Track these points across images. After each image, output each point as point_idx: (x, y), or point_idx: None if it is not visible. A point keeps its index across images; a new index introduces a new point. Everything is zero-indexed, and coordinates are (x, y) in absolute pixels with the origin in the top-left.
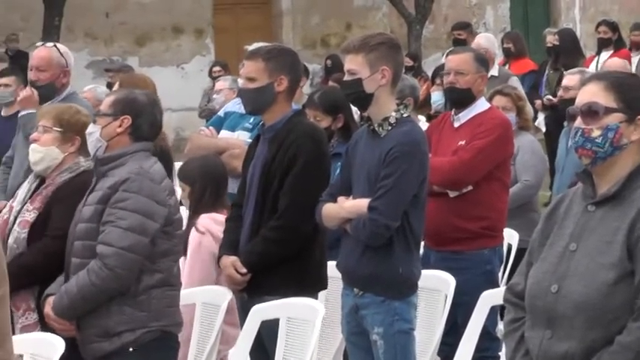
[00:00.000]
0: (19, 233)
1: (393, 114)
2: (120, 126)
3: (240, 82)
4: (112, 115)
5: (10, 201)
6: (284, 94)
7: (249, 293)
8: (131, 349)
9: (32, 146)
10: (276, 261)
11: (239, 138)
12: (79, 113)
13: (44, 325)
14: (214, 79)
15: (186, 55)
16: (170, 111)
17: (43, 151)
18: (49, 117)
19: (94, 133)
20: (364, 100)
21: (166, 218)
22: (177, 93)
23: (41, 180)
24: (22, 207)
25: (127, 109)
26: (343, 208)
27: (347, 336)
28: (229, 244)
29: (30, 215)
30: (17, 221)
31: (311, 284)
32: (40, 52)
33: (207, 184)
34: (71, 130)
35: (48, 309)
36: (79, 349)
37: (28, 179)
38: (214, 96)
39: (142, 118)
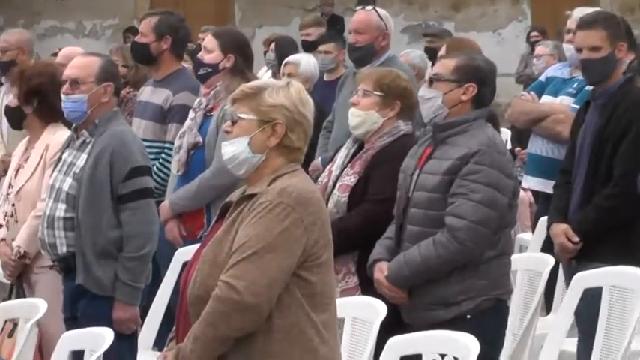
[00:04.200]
0: (339, 197)
1: None
2: (464, 93)
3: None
4: (455, 82)
5: (329, 165)
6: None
7: (577, 260)
8: (468, 317)
9: (352, 110)
10: (607, 229)
11: (562, 103)
12: (399, 77)
13: (364, 289)
14: (532, 44)
15: (502, 21)
16: None
17: (362, 115)
18: (369, 81)
19: (433, 98)
20: None
21: (513, 191)
22: (493, 58)
23: (360, 144)
24: (342, 171)
25: (472, 77)
26: None
27: None
28: (559, 211)
29: (350, 179)
30: (337, 185)
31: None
32: (360, 16)
33: None
34: (391, 95)
35: (380, 275)
36: (403, 314)
37: (346, 144)
38: (534, 61)
39: (486, 86)
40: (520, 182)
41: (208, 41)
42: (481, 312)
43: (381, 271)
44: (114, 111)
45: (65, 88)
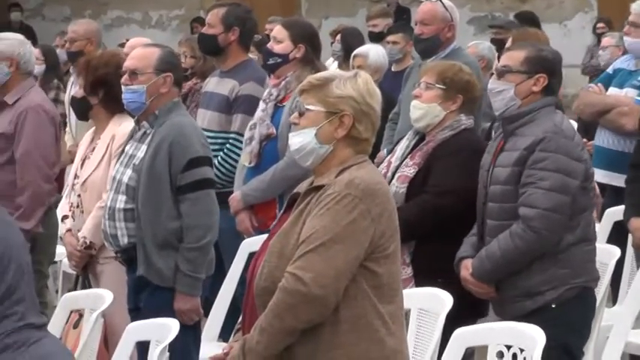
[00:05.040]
0: (397, 188)
1: None
2: (535, 85)
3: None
4: (526, 73)
5: (389, 156)
6: None
7: None
8: (553, 306)
9: (414, 103)
10: None
11: (627, 95)
12: (462, 71)
13: (418, 280)
14: (598, 35)
15: (568, 12)
16: None
17: (424, 108)
18: (431, 74)
19: (505, 90)
20: None
21: (584, 174)
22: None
23: (421, 136)
24: (401, 162)
25: (541, 67)
26: None
27: None
28: (636, 206)
29: (409, 171)
30: (396, 176)
31: None
32: (426, 7)
33: None
34: (454, 88)
35: (465, 273)
36: (494, 308)
37: (407, 135)
38: (599, 53)
39: (555, 76)
40: None
41: (278, 31)
42: (565, 301)
43: (466, 269)
44: (174, 102)
45: (124, 78)
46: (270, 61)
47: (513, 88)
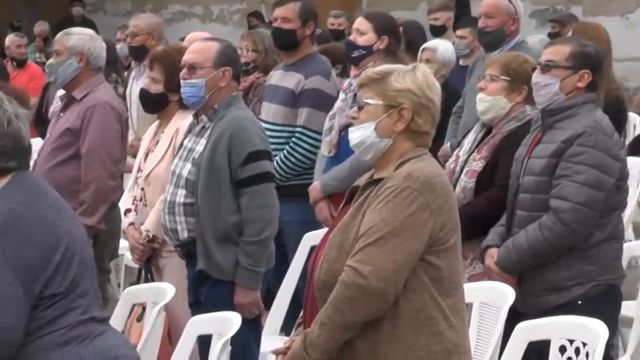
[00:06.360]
0: (466, 182)
1: None
2: (579, 80)
3: None
4: (571, 69)
5: (456, 150)
6: None
7: None
8: (579, 302)
9: (479, 95)
10: None
11: None
12: (526, 62)
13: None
14: None
15: (631, 5)
16: (615, 61)
17: (490, 100)
18: (496, 66)
19: (550, 84)
20: None
21: (619, 173)
22: (621, 43)
23: (487, 129)
24: (469, 156)
25: (586, 63)
26: None
27: None
28: None
29: (477, 164)
30: (464, 170)
31: None
32: (489, 0)
33: None
34: (518, 80)
35: (490, 262)
36: (517, 302)
37: (474, 129)
38: None
39: (599, 72)
40: None
41: (361, 23)
42: (592, 298)
43: (491, 258)
44: (233, 96)
45: (183, 73)
46: (355, 54)
47: (558, 82)
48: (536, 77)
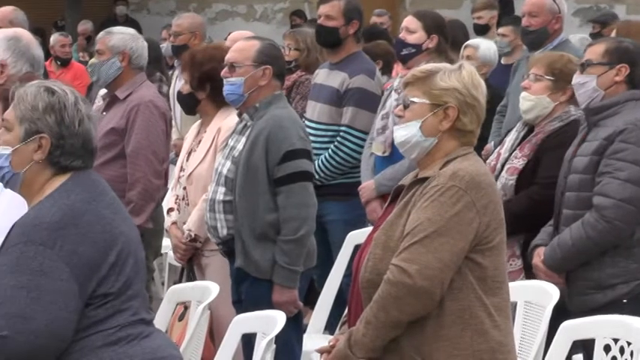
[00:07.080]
0: (506, 180)
1: None
2: (617, 75)
3: None
4: (607, 65)
5: (498, 148)
6: None
7: None
8: (625, 301)
9: (523, 94)
10: None
11: None
12: (570, 62)
13: (528, 273)
14: None
15: None
16: None
17: (533, 100)
18: (540, 65)
19: (587, 82)
20: None
21: None
22: None
23: (530, 128)
24: (510, 154)
25: (623, 58)
26: None
27: None
28: None
29: (518, 162)
30: (505, 168)
31: None
32: None
33: None
34: (563, 79)
35: (537, 260)
36: (566, 300)
37: (516, 127)
38: None
39: (638, 66)
40: None
41: (410, 22)
42: (637, 296)
43: (538, 256)
44: (275, 94)
45: (224, 71)
46: (404, 52)
47: (595, 79)
48: (576, 78)
